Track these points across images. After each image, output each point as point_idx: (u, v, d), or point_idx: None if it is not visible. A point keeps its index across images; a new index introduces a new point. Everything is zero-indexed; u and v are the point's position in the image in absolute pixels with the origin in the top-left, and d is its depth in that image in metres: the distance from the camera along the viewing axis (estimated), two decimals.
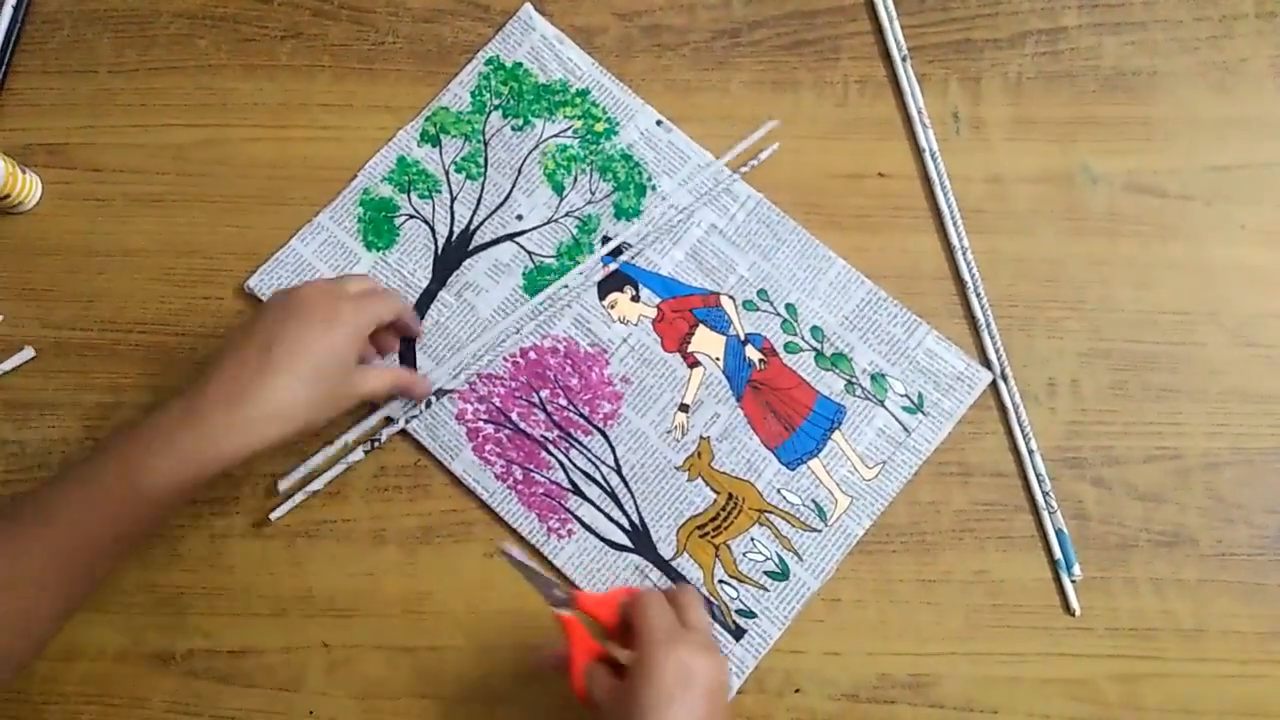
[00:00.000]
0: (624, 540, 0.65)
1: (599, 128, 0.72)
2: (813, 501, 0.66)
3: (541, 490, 0.66)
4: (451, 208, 0.71)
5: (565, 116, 0.72)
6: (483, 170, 0.72)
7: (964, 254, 0.69)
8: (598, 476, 0.66)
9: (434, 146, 0.72)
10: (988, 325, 0.68)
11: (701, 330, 0.68)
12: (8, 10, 0.75)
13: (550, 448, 0.67)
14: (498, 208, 0.71)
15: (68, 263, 0.71)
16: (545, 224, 0.71)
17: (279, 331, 0.56)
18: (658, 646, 0.52)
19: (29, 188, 0.71)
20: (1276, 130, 0.71)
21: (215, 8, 0.76)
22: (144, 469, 0.54)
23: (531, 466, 0.66)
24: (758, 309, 0.69)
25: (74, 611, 0.57)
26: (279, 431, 0.56)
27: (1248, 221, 0.70)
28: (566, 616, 0.55)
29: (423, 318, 0.69)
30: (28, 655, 0.56)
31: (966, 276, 0.68)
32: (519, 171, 0.71)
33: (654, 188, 0.71)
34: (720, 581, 0.64)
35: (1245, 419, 0.67)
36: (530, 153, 0.72)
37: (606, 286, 0.69)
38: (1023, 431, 0.66)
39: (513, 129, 0.72)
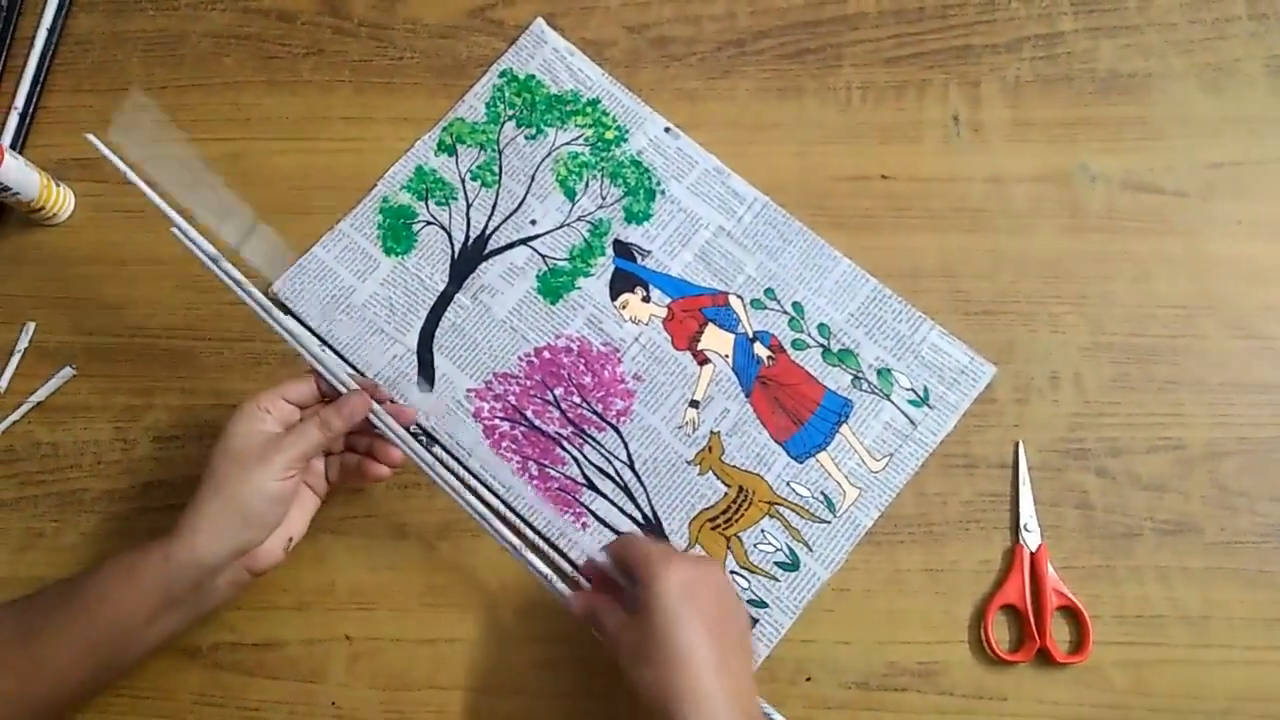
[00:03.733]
0: (637, 533, 0.67)
1: (609, 135, 0.74)
2: (822, 493, 0.67)
3: (556, 485, 0.68)
4: (468, 214, 0.73)
5: (576, 125, 0.75)
6: (497, 178, 0.74)
7: None
8: (611, 471, 0.68)
9: (450, 156, 0.75)
10: None
11: (711, 329, 0.70)
12: (42, 32, 0.78)
13: (565, 444, 0.69)
14: (512, 213, 0.73)
15: (99, 272, 0.74)
16: (558, 228, 0.73)
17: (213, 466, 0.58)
18: (655, 574, 0.54)
19: (62, 200, 0.74)
20: (1269, 128, 0.73)
21: (240, 27, 0.79)
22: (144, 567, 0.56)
23: (547, 462, 0.68)
24: (765, 307, 0.71)
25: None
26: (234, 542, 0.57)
27: (1243, 216, 0.71)
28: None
29: (440, 320, 0.71)
30: None
31: None
32: (532, 178, 0.74)
33: (663, 192, 0.73)
34: (732, 572, 0.66)
35: (1246, 409, 0.68)
36: (543, 160, 0.74)
37: (618, 287, 0.71)
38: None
39: (526, 138, 0.75)
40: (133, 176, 0.61)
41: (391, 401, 0.64)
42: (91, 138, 0.61)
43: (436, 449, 0.67)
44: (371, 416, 0.61)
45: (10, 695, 0.56)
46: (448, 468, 0.63)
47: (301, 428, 0.59)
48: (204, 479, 0.58)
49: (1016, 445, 0.67)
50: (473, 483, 0.63)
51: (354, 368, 0.70)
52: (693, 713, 0.51)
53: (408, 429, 0.63)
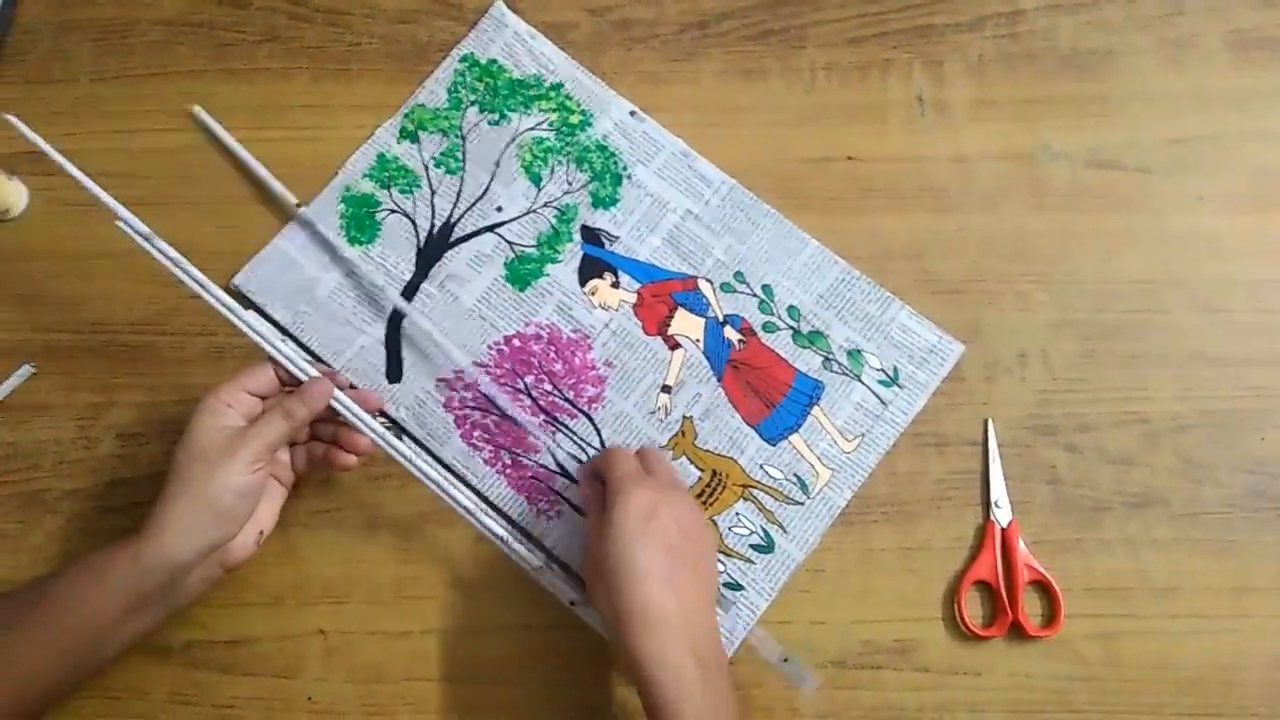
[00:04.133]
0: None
1: (574, 120, 0.74)
2: (795, 475, 0.67)
3: (529, 474, 0.68)
4: (432, 201, 0.73)
5: (541, 110, 0.74)
6: (461, 164, 0.73)
7: None
8: (584, 459, 0.68)
9: (413, 143, 0.74)
10: None
11: (681, 313, 0.70)
12: None
13: (536, 432, 0.68)
14: (477, 200, 0.72)
15: (56, 267, 0.72)
16: (524, 215, 0.72)
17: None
18: (618, 491, 0.57)
19: (16, 195, 0.72)
20: (1229, 102, 0.73)
21: (192, 14, 0.77)
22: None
23: (519, 451, 0.68)
24: (735, 291, 0.70)
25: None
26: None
27: (1205, 192, 0.72)
28: None
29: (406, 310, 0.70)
30: None
31: None
32: (497, 164, 0.73)
33: (630, 177, 0.73)
34: None
35: (1210, 382, 0.69)
36: (507, 146, 0.73)
37: (587, 273, 0.71)
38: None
39: (489, 123, 0.74)
40: (61, 161, 0.61)
41: (353, 387, 0.63)
42: (12, 119, 0.61)
43: (406, 440, 0.67)
44: (334, 403, 0.61)
45: None
46: (420, 458, 0.62)
47: (265, 419, 0.58)
48: (169, 478, 0.57)
49: (986, 423, 0.68)
50: (443, 471, 0.63)
51: (316, 357, 0.69)
52: (640, 629, 0.53)
53: (374, 415, 0.62)
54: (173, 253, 0.62)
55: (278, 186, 0.71)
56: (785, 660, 0.63)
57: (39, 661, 0.55)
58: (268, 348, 0.62)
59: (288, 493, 0.64)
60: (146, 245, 0.62)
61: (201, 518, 0.56)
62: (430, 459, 0.65)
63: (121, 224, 0.62)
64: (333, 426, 0.63)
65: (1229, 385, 0.69)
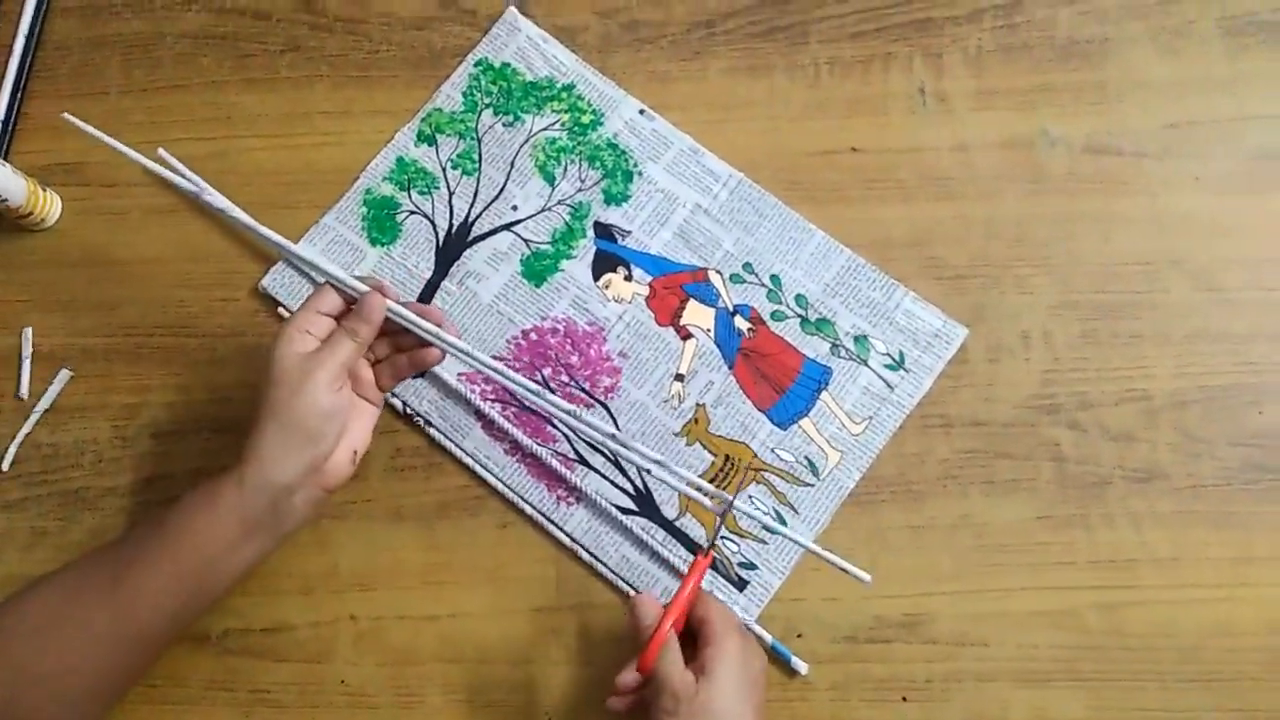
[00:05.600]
0: (630, 504, 0.69)
1: (585, 119, 0.76)
2: (805, 458, 0.69)
3: (548, 463, 0.70)
4: (450, 202, 0.75)
5: (553, 111, 0.76)
6: (477, 165, 0.76)
7: None
8: (601, 446, 0.70)
9: (430, 146, 0.76)
10: None
11: (692, 304, 0.72)
12: (20, 40, 0.79)
13: (555, 422, 0.71)
14: (493, 200, 0.75)
15: (90, 274, 0.75)
16: (539, 213, 0.75)
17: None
18: (730, 631, 0.58)
19: (49, 205, 0.75)
20: (1223, 88, 0.75)
21: (216, 27, 0.80)
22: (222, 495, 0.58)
23: (538, 441, 0.70)
24: (744, 281, 0.73)
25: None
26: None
27: (1201, 174, 0.73)
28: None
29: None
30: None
31: None
32: (512, 165, 0.76)
33: (640, 173, 0.75)
34: (722, 537, 0.68)
35: (1208, 359, 0.70)
36: (521, 146, 0.76)
37: (600, 268, 0.73)
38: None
39: (504, 125, 0.76)
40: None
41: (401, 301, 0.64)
42: (69, 116, 0.64)
43: (432, 430, 0.70)
44: (391, 316, 0.62)
45: (105, 634, 0.58)
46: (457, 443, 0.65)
47: (332, 340, 0.60)
48: (258, 409, 0.59)
49: None
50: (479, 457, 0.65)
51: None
52: None
53: (440, 326, 0.64)
54: (223, 201, 0.66)
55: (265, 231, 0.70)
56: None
57: (161, 590, 0.58)
58: (315, 272, 0.63)
59: (379, 411, 0.65)
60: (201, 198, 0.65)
61: (292, 439, 0.58)
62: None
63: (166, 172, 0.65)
64: (412, 339, 0.64)
65: (1227, 361, 0.70)
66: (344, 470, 0.62)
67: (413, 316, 0.63)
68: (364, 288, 0.62)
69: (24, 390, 0.73)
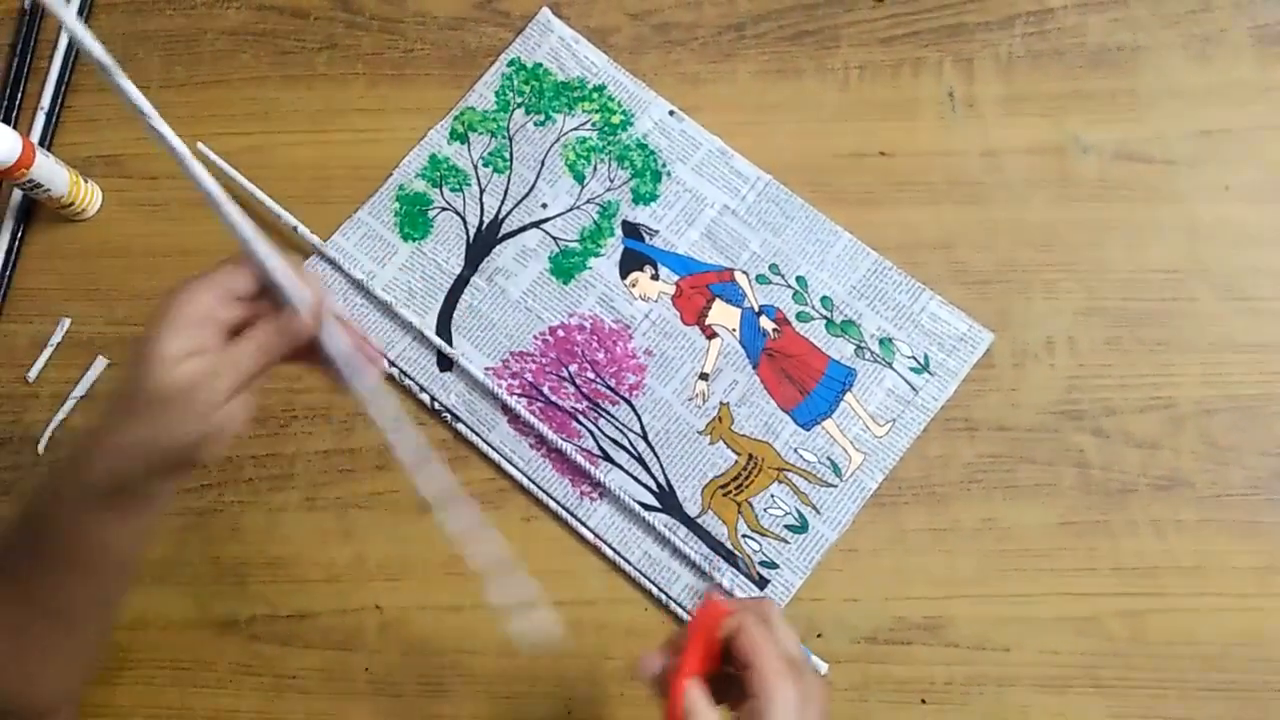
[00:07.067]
0: (652, 501, 0.70)
1: (615, 120, 0.77)
2: (828, 459, 0.70)
3: (572, 458, 0.71)
4: (481, 199, 0.76)
5: (584, 111, 0.77)
6: (509, 164, 0.77)
7: None
8: (625, 443, 0.71)
9: (463, 144, 0.77)
10: None
11: (718, 304, 0.73)
12: (64, 35, 0.81)
13: (580, 418, 0.71)
14: (523, 198, 0.76)
15: (128, 264, 0.77)
16: (568, 211, 0.76)
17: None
18: (780, 680, 0.48)
19: (90, 196, 0.77)
20: (1254, 95, 0.75)
21: (256, 24, 0.82)
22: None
23: (563, 436, 0.71)
24: (770, 282, 0.73)
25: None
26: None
27: (1231, 182, 0.73)
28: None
29: (457, 302, 0.74)
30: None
31: None
32: (542, 163, 0.76)
33: (669, 173, 0.76)
34: (743, 536, 0.69)
35: (1235, 368, 0.70)
36: (552, 145, 0.77)
37: (627, 266, 0.74)
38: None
39: (535, 124, 0.77)
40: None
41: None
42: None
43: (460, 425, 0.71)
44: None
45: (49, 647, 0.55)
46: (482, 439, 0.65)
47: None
48: None
49: None
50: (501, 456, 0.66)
51: None
52: None
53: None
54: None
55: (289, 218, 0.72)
56: None
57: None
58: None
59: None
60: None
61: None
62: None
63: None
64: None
65: (1254, 370, 0.70)
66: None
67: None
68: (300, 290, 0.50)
69: (32, 374, 0.75)
